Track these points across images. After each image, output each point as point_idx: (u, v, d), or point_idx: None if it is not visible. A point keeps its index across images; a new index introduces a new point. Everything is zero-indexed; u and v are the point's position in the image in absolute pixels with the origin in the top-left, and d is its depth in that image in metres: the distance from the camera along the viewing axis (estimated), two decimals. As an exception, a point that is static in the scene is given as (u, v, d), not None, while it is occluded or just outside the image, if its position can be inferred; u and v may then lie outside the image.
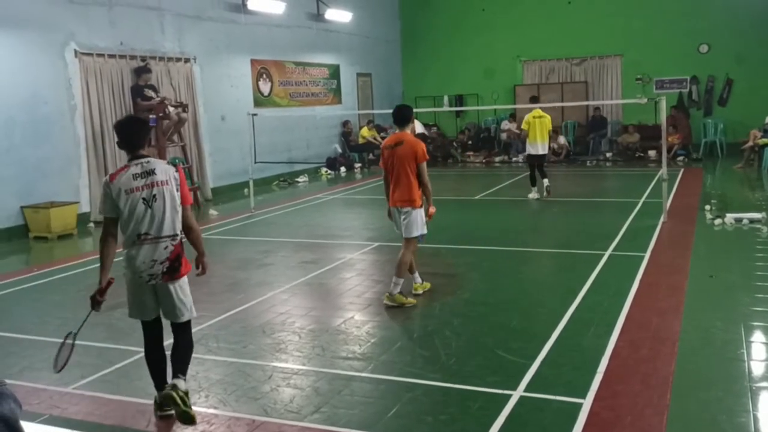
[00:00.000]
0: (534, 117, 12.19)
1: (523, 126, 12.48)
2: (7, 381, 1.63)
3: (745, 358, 4.79)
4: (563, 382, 4.47)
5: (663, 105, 10.00)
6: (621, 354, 4.90)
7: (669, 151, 14.46)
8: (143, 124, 4.49)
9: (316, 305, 6.56)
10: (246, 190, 13.02)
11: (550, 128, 12.41)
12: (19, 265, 8.93)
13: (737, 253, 8.03)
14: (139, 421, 4.24)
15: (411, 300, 6.30)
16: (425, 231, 6.38)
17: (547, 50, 20.21)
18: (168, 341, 4.40)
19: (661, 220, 9.51)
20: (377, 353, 5.20)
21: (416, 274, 6.66)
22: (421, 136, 19.56)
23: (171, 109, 12.49)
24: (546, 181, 12.21)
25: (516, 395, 4.28)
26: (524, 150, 19.32)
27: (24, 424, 1.62)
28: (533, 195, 12.33)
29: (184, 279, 4.28)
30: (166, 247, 4.15)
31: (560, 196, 13.28)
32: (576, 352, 4.99)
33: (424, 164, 6.21)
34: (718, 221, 9.35)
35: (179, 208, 4.17)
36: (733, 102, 18.46)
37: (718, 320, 5.59)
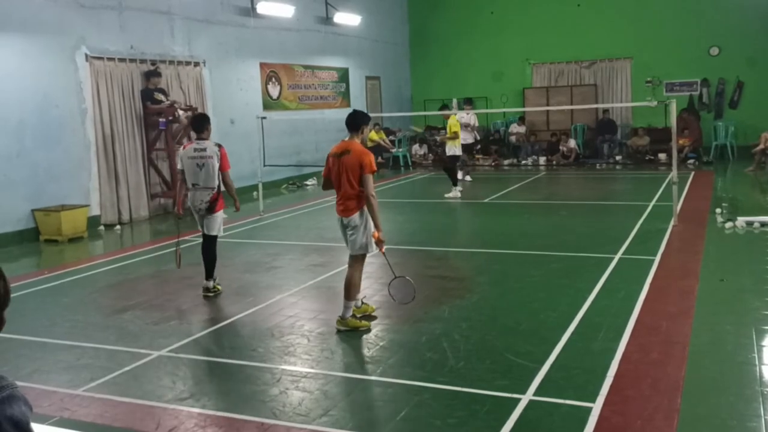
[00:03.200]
0: (456, 121, 13.59)
1: (456, 129, 13.50)
2: (18, 383, 1.64)
3: (757, 363, 4.76)
4: (573, 386, 4.45)
5: (673, 108, 9.96)
6: (631, 358, 4.87)
7: (679, 153, 14.40)
8: (204, 118, 7.37)
9: (324, 308, 6.56)
10: (255, 194, 13.05)
11: (456, 130, 13.66)
12: (29, 268, 8.98)
13: (748, 256, 7.98)
14: (149, 423, 4.25)
15: (364, 323, 5.84)
16: (372, 250, 5.85)
17: (556, 53, 20.18)
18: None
19: (672, 223, 9.46)
20: (386, 356, 5.19)
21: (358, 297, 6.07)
22: (468, 147, 16.12)
23: (180, 112, 12.54)
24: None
25: (525, 399, 4.27)
26: (532, 153, 19.49)
27: (34, 426, 1.63)
28: (458, 191, 13.36)
29: (219, 213, 7.06)
30: (208, 194, 6.94)
31: (569, 199, 13.24)
32: (585, 356, 4.97)
33: (370, 176, 5.70)
34: (728, 225, 9.30)
35: (217, 172, 6.95)
36: (744, 105, 18.36)
37: (729, 324, 5.55)
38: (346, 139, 5.98)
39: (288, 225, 11.43)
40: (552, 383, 4.50)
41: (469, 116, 15.68)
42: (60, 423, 4.23)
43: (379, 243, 5.74)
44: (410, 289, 5.81)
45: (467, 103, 16.28)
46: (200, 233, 7.33)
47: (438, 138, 16.26)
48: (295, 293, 7.07)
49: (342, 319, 5.82)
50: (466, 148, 16.47)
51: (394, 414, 4.19)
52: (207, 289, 7.07)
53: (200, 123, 7.20)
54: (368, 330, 5.77)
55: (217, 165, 6.92)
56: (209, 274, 7.09)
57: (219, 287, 7.18)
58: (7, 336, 5.89)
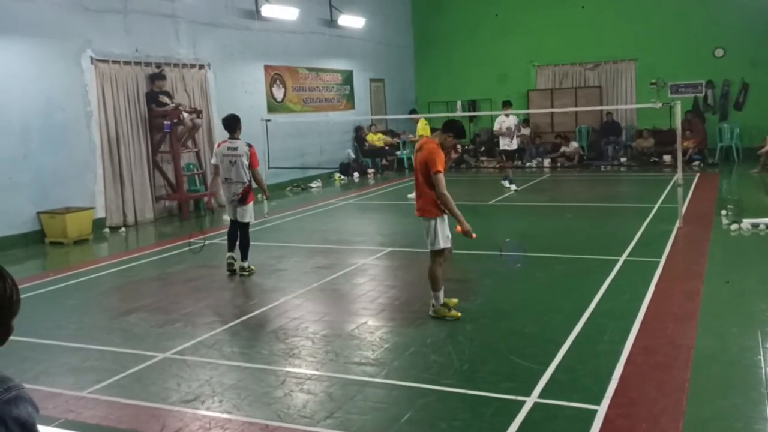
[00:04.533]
0: (425, 124, 13.70)
1: (423, 132, 13.65)
2: (24, 385, 1.64)
3: (762, 365, 4.74)
4: (578, 388, 4.44)
5: (678, 109, 9.94)
6: (636, 360, 4.86)
7: (684, 155, 14.36)
8: (235, 119, 8.08)
9: (329, 310, 6.57)
10: (259, 196, 13.05)
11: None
12: (35, 270, 9.00)
13: (754, 258, 7.96)
14: (154, 425, 4.25)
15: (454, 313, 5.97)
16: (446, 245, 5.99)
17: (560, 55, 20.16)
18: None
19: (677, 225, 9.43)
20: (390, 359, 5.19)
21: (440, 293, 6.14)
22: (510, 154, 14.55)
23: (185, 115, 12.57)
24: None
25: (530, 401, 4.26)
26: (536, 155, 19.47)
27: (40, 427, 1.63)
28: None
29: (249, 204, 8.01)
30: (239, 187, 7.90)
31: (574, 201, 13.22)
32: (590, 358, 4.96)
33: (438, 176, 5.74)
34: (734, 226, 9.26)
35: (247, 168, 7.90)
36: (749, 106, 18.30)
37: (735, 326, 5.53)
38: (430, 135, 6.06)
39: (292, 227, 11.44)
40: (557, 385, 4.49)
41: (509, 119, 14.27)
42: (65, 425, 4.24)
43: (467, 233, 5.89)
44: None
45: (506, 105, 14.61)
46: (225, 229, 8.48)
47: (407, 139, 16.13)
48: (299, 295, 7.06)
49: (433, 308, 6.04)
50: (509, 154, 14.80)
51: (398, 416, 4.18)
52: (242, 269, 7.96)
53: (232, 124, 8.03)
54: (456, 319, 5.92)
55: (247, 162, 7.87)
56: (244, 256, 8.00)
57: (252, 267, 8.05)
58: (12, 338, 5.87)
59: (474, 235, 5.91)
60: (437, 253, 5.99)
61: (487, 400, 4.35)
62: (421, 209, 6.00)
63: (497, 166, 15.26)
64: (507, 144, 14.51)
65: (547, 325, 5.75)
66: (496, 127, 14.62)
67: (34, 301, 7.28)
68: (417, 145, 6.15)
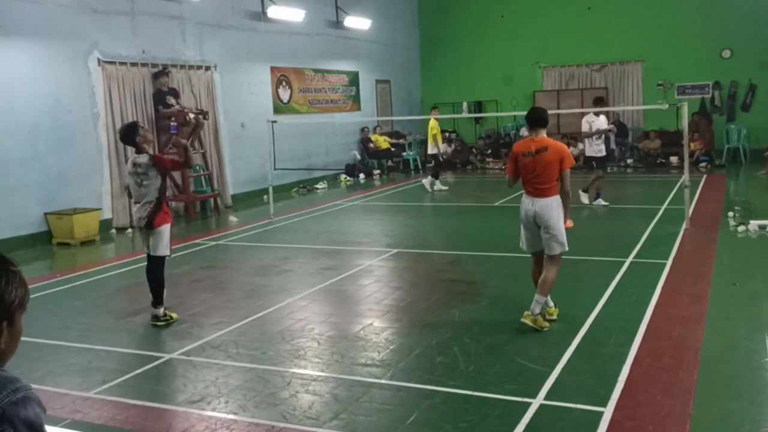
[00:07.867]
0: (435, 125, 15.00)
1: (434, 132, 15.05)
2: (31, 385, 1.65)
3: (770, 368, 4.72)
4: (584, 390, 4.43)
5: (685, 111, 9.91)
6: (642, 362, 4.85)
7: (691, 157, 14.31)
8: (129, 129, 6.42)
9: (335, 312, 6.57)
10: (265, 197, 13.09)
11: (435, 132, 15.00)
12: (42, 271, 9.04)
13: (761, 260, 7.92)
14: (160, 426, 4.27)
15: (545, 324, 5.65)
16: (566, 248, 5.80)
17: (566, 56, 20.13)
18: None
19: (684, 227, 9.41)
20: (396, 360, 5.19)
21: (548, 298, 5.93)
22: (601, 162, 12.06)
23: (191, 115, 12.60)
24: (428, 180, 15.07)
25: (536, 403, 4.26)
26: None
27: (47, 428, 1.64)
28: (428, 185, 14.94)
29: (159, 229, 6.24)
30: (145, 209, 6.21)
31: (579, 202, 13.18)
32: (597, 361, 4.95)
33: (568, 171, 5.67)
34: (741, 228, 9.23)
35: (154, 186, 6.19)
36: (756, 108, 18.23)
37: (742, 329, 5.51)
38: (534, 136, 5.75)
39: (298, 228, 11.45)
40: (563, 387, 4.48)
41: (600, 119, 11.86)
42: (72, 425, 4.26)
43: (568, 227, 5.89)
44: None
45: (597, 102, 12.27)
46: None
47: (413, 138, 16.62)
48: (305, 296, 7.07)
49: (531, 315, 5.64)
50: (600, 162, 12.09)
51: (404, 418, 4.18)
52: (156, 317, 6.24)
53: (127, 136, 6.38)
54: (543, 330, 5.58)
55: (152, 178, 6.19)
56: (157, 301, 6.29)
57: (173, 315, 6.34)
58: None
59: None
60: (559, 256, 5.83)
61: (493, 401, 4.34)
62: (549, 201, 5.72)
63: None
64: (598, 149, 11.90)
65: (553, 327, 5.74)
66: (584, 128, 11.93)
67: (41, 301, 7.31)
68: (534, 147, 5.68)
